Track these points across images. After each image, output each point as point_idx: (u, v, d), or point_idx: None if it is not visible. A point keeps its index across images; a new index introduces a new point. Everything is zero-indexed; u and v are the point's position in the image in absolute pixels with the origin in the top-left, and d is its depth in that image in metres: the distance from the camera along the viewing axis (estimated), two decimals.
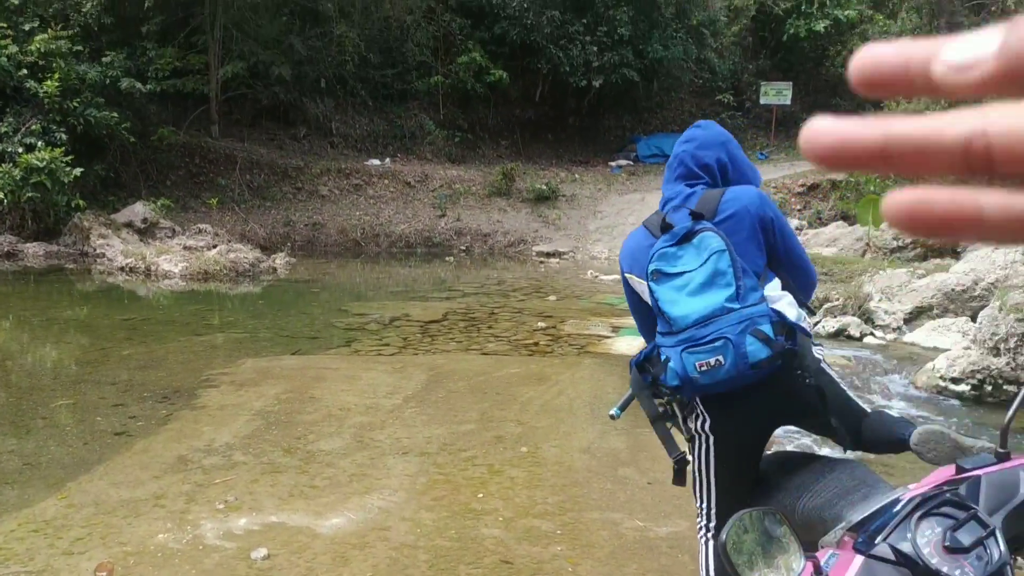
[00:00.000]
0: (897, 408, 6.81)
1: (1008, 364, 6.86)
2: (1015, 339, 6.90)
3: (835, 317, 8.97)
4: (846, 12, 20.22)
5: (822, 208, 15.75)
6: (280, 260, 13.32)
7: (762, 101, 20.23)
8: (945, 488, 1.06)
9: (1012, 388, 6.87)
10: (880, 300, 9.28)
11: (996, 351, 6.96)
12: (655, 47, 19.24)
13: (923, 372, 7.29)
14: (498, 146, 20.05)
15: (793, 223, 15.43)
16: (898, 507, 1.02)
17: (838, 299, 9.26)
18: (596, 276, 12.79)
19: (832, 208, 15.47)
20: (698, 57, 20.57)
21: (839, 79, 21.32)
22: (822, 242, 13.81)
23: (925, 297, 9.04)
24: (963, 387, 6.92)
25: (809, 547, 1.09)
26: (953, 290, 8.98)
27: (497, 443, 4.92)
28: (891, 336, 8.72)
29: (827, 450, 5.53)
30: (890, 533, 0.99)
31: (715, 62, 21.31)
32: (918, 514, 1.00)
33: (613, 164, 19.57)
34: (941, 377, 7.07)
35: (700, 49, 20.61)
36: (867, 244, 12.59)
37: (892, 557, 0.97)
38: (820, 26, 19.85)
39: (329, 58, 17.85)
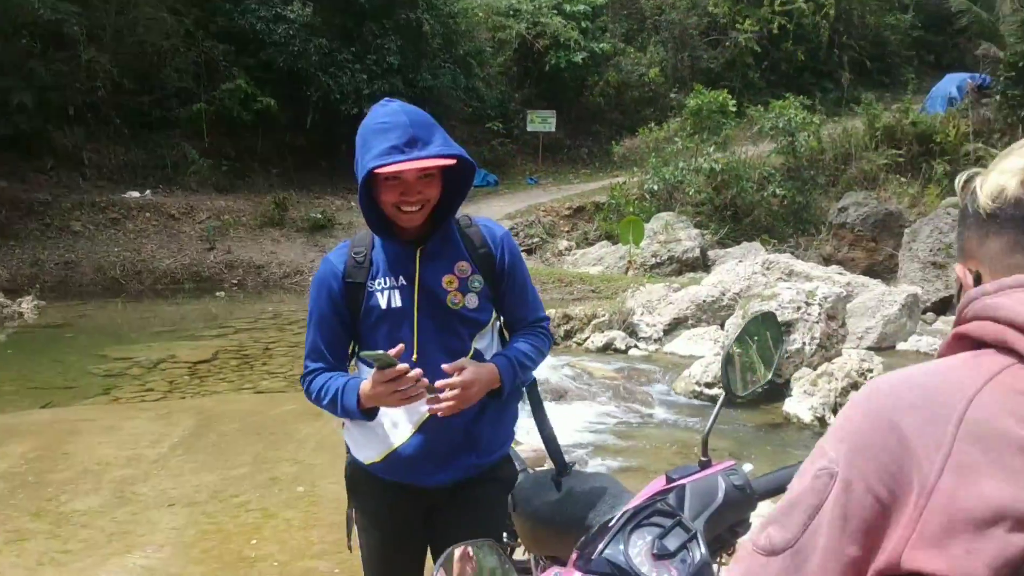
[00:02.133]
0: (659, 412, 7.30)
1: None
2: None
3: (602, 332, 9.47)
4: (601, 45, 21.56)
5: (588, 229, 16.62)
6: (27, 304, 12.12)
7: (529, 128, 21.08)
8: (656, 499, 1.16)
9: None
10: (642, 314, 9.89)
11: None
12: (424, 76, 19.53)
13: (681, 379, 7.86)
14: (269, 174, 19.45)
15: (562, 244, 16.18)
16: (613, 521, 1.10)
17: (604, 315, 9.78)
18: None
19: (597, 229, 16.36)
20: (467, 86, 21.10)
21: (598, 107, 22.65)
22: (589, 261, 14.57)
23: (681, 309, 9.75)
24: (716, 390, 7.51)
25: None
26: (704, 301, 9.75)
27: (272, 485, 4.75)
28: (653, 347, 9.32)
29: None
30: (605, 547, 1.07)
31: (483, 91, 21.96)
32: (631, 526, 1.08)
33: None
34: (696, 383, 7.64)
35: (468, 78, 21.15)
36: (629, 262, 13.43)
37: (607, 570, 1.04)
38: (578, 58, 21.02)
39: (78, 84, 16.55)
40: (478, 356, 2.07)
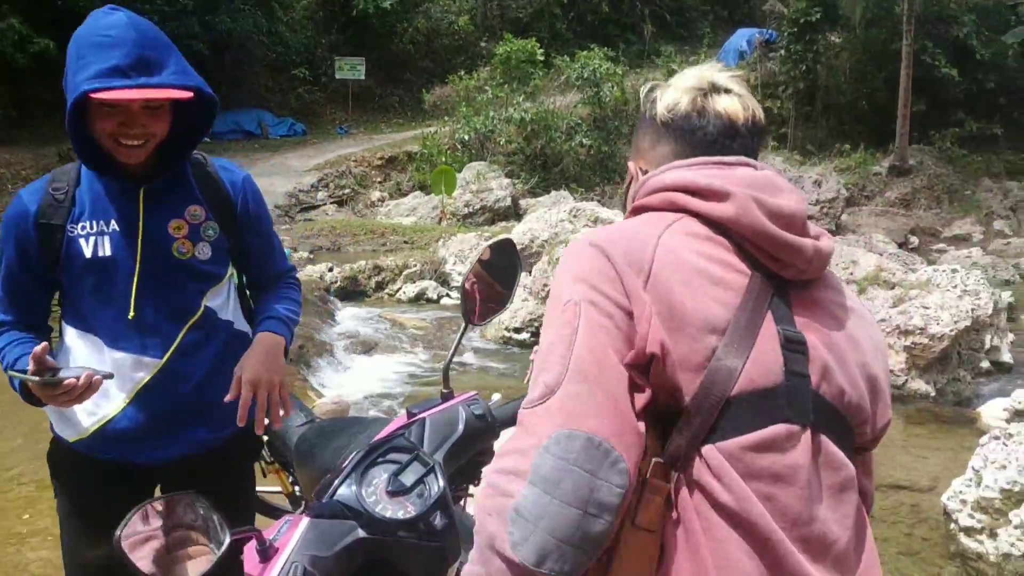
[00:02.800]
0: (470, 359, 7.37)
1: None
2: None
3: (414, 282, 9.41)
4: None
5: (401, 179, 16.42)
6: None
7: (337, 76, 20.43)
8: (395, 435, 1.12)
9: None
10: (454, 263, 9.92)
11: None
12: (223, 19, 18.43)
13: (492, 326, 7.95)
14: (53, 123, 17.80)
15: (375, 195, 15.92)
16: (346, 462, 1.05)
17: (416, 265, 9.72)
18: None
19: (410, 179, 16.20)
20: (270, 30, 20.12)
21: (409, 54, 22.27)
22: (402, 212, 14.42)
23: None
24: (524, 335, 7.68)
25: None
26: None
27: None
28: None
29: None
30: (337, 488, 1.02)
31: (288, 36, 21.03)
32: (364, 464, 1.03)
33: None
34: (506, 328, 7.77)
35: (271, 22, 20.17)
36: (442, 212, 13.40)
37: (339, 512, 0.99)
38: (387, 3, 20.51)
39: None
40: (210, 316, 1.78)
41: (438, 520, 0.99)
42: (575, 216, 10.79)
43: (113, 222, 1.70)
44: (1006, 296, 7.94)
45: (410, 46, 22.23)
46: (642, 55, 21.71)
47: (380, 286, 9.50)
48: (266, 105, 20.26)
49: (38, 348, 1.51)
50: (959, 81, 20.60)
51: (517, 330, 7.67)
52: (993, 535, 3.65)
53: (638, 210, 1.18)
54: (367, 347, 7.34)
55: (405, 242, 11.80)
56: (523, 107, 16.32)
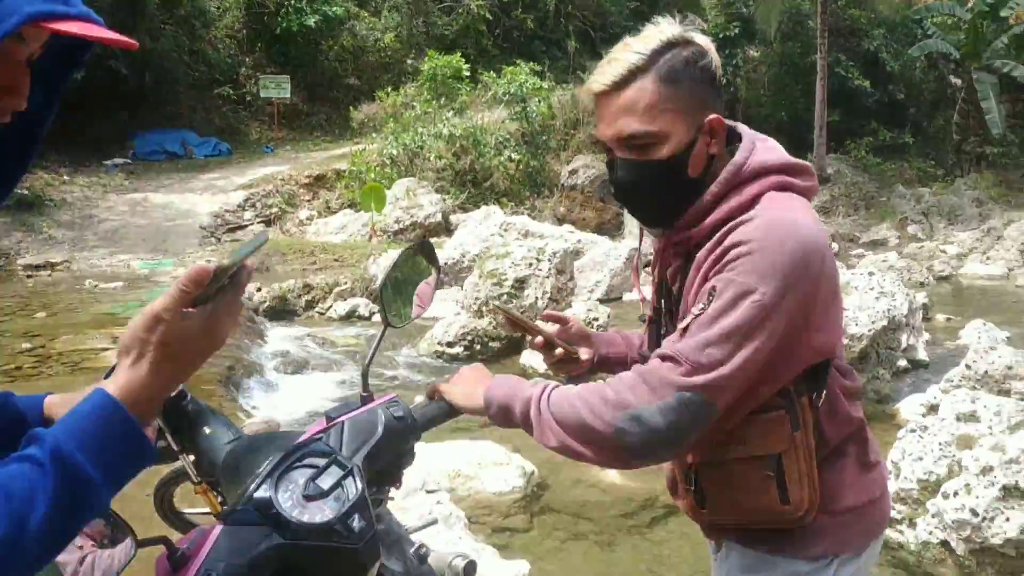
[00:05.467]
0: (403, 373, 7.33)
1: (490, 323, 7.76)
2: (493, 301, 7.82)
3: (345, 300, 9.33)
4: (333, 8, 20.98)
5: (330, 198, 16.26)
6: None
7: (262, 94, 20.14)
8: (312, 440, 1.12)
9: (497, 344, 7.80)
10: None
11: (480, 313, 7.82)
12: (142, 37, 18.04)
13: (424, 340, 7.94)
14: None
15: (303, 214, 15.74)
16: (262, 468, 1.05)
17: (347, 283, 9.64)
18: (96, 285, 11.66)
19: (339, 197, 16.05)
20: (191, 49, 19.78)
21: (335, 72, 22.11)
22: (332, 230, 14.27)
23: None
24: (457, 349, 7.67)
25: None
26: (446, 264, 9.89)
27: None
28: None
29: None
30: (252, 494, 1.01)
31: (210, 55, 20.69)
32: (281, 469, 1.03)
33: (109, 163, 17.96)
34: (439, 343, 7.75)
35: (192, 41, 19.83)
36: (372, 229, 13.32)
37: (253, 518, 0.98)
38: (311, 21, 20.34)
39: None
40: None
41: (356, 523, 0.99)
42: (505, 230, 10.86)
43: None
44: (920, 297, 8.26)
45: (336, 64, 22.08)
46: (568, 70, 21.98)
47: (310, 305, 9.39)
48: (190, 125, 19.86)
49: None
50: (871, 92, 21.42)
51: (450, 344, 7.66)
52: (913, 524, 3.79)
53: (755, 192, 1.40)
54: (298, 366, 7.24)
55: (335, 260, 11.68)
56: (452, 123, 16.36)
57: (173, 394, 1.36)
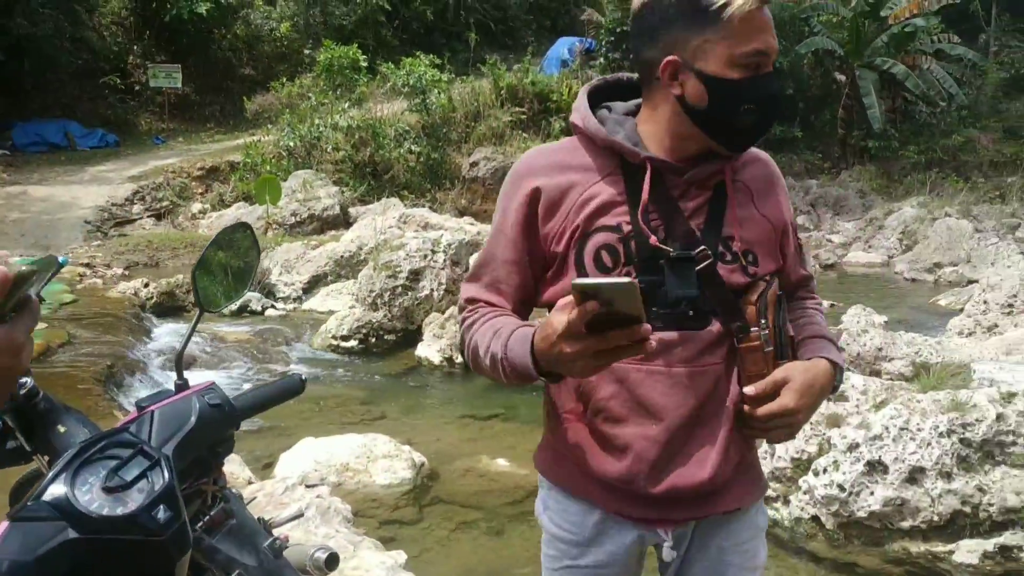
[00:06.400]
0: (296, 369, 7.18)
1: (385, 316, 7.69)
2: (388, 293, 7.74)
3: None
4: None
5: (224, 191, 15.79)
6: None
7: (152, 84, 19.39)
8: (118, 429, 1.07)
9: (392, 337, 7.73)
10: (280, 273, 9.66)
11: (374, 306, 7.74)
12: (19, 22, 17.14)
13: (319, 335, 7.80)
14: None
15: (196, 207, 15.25)
16: (59, 461, 0.99)
17: None
18: None
19: (234, 190, 15.61)
20: (73, 36, 18.87)
21: (228, 62, 21.49)
22: (226, 223, 13.84)
23: (319, 266, 9.67)
24: (352, 343, 7.57)
25: None
26: (343, 257, 9.75)
27: None
28: (292, 306, 9.15)
29: None
30: (46, 489, 0.96)
31: (95, 42, 19.80)
32: (78, 462, 0.98)
33: None
34: (333, 336, 7.63)
35: (75, 27, 18.93)
36: (267, 222, 13.00)
37: (46, 513, 0.93)
38: (202, 8, 19.68)
39: None
40: None
41: (161, 514, 0.95)
42: (404, 222, 10.77)
43: None
44: None
45: (229, 53, 21.47)
46: (468, 63, 21.93)
47: None
48: (73, 115, 18.95)
49: None
50: None
51: (345, 337, 7.55)
52: (787, 502, 3.93)
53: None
54: (185, 363, 6.99)
55: None
56: (349, 114, 16.11)
57: (23, 392, 1.28)
